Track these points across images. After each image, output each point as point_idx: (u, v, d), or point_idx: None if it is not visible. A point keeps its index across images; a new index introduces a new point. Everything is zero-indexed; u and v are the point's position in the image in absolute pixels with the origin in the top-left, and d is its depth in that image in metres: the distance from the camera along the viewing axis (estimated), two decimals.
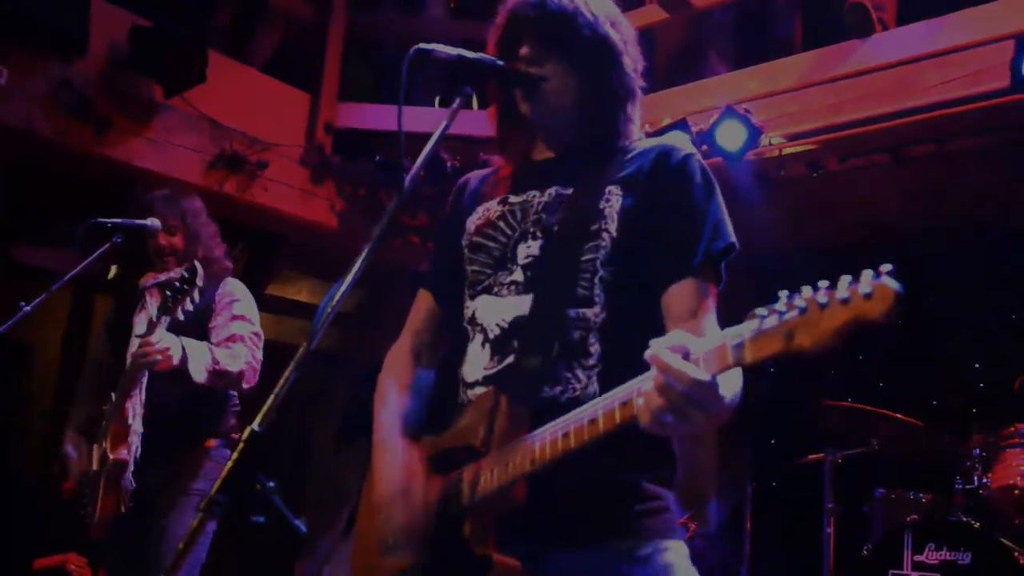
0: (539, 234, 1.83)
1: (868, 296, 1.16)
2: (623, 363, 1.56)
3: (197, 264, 3.31)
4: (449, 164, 5.05)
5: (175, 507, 3.47)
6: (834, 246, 5.74)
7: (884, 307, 1.15)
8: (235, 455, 1.45)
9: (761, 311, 1.27)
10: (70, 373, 7.63)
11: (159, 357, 3.31)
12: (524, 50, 1.87)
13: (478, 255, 1.90)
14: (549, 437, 1.55)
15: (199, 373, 3.43)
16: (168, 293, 3.30)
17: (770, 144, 4.91)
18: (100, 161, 5.05)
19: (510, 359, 1.76)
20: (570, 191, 1.85)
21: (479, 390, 1.78)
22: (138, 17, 5.01)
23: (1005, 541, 4.08)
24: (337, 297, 1.57)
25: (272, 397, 1.48)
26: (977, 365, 5.67)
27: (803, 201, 5.25)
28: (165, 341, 3.34)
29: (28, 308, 3.44)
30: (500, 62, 1.86)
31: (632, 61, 1.92)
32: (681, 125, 4.80)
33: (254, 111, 5.60)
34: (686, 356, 1.35)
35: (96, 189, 5.45)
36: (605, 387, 1.60)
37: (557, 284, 1.77)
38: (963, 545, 4.11)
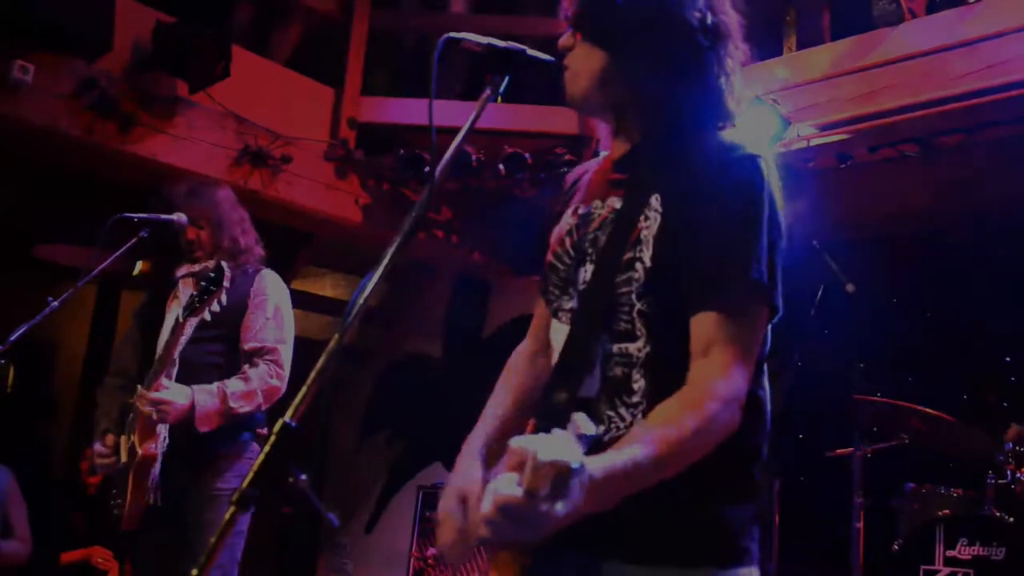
0: (593, 257, 1.69)
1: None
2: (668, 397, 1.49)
3: (224, 265, 3.30)
4: (474, 157, 5.02)
5: (207, 504, 3.48)
6: (864, 238, 5.67)
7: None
8: (267, 448, 1.44)
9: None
10: (95, 370, 7.68)
11: (161, 410, 3.32)
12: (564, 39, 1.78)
13: (552, 275, 1.78)
14: None
15: (205, 424, 3.42)
16: (195, 294, 3.30)
17: (799, 135, 4.85)
18: (125, 158, 5.06)
19: (560, 395, 1.64)
20: (621, 205, 1.69)
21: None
22: (162, 14, 5.01)
23: None
24: (368, 289, 1.56)
25: (304, 390, 1.47)
26: (1008, 359, 5.59)
27: (833, 192, 5.18)
28: (172, 396, 3.34)
29: (55, 303, 3.44)
30: (529, 50, 1.79)
31: (731, 48, 1.71)
32: None
33: (278, 106, 5.60)
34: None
35: (121, 186, 5.48)
36: None
37: (599, 317, 1.63)
38: (996, 540, 4.06)
